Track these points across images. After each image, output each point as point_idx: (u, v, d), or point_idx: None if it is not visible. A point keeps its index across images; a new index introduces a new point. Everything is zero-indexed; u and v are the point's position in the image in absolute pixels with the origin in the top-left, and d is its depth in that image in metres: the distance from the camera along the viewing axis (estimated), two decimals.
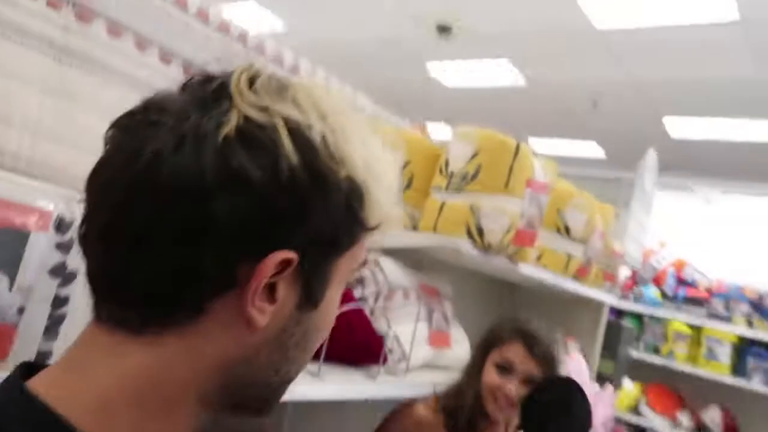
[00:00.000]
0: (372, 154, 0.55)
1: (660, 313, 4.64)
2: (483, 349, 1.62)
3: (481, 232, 1.71)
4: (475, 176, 1.73)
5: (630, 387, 4.70)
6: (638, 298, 4.76)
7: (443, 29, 5.29)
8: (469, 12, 4.99)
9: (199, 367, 0.50)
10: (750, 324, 4.29)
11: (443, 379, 1.75)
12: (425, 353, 1.80)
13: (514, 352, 1.55)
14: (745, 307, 4.35)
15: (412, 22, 5.35)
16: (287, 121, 0.50)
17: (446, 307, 1.97)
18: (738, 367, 4.30)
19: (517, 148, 1.76)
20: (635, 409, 4.62)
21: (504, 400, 1.53)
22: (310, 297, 0.54)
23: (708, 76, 5.12)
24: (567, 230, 2.19)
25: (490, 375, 1.56)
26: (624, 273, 4.96)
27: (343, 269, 0.56)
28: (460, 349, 1.92)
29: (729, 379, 4.27)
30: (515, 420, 1.66)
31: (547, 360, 1.56)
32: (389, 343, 1.66)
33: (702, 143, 6.35)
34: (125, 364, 0.49)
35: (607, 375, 2.69)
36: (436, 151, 1.84)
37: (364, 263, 0.65)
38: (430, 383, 1.68)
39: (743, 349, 4.31)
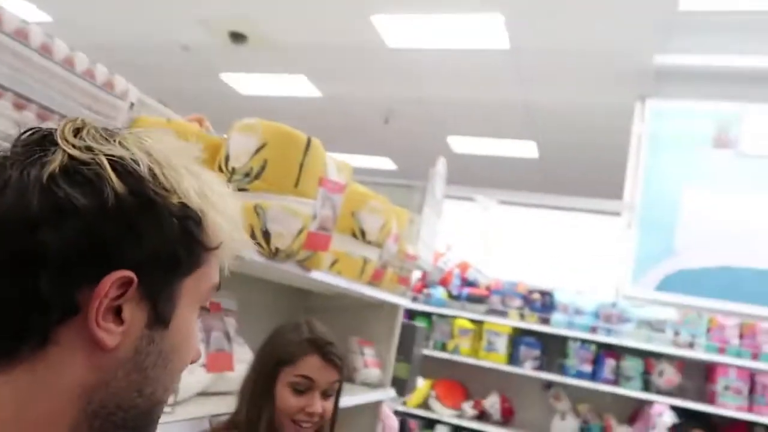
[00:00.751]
0: (204, 184, 0.57)
1: (446, 311, 4.72)
2: (271, 370, 1.33)
3: (267, 236, 1.42)
4: (260, 173, 1.43)
5: (420, 384, 4.70)
6: (427, 299, 4.80)
7: (237, 37, 4.92)
8: (263, 21, 4.69)
9: (58, 397, 0.50)
10: (522, 317, 4.53)
11: (225, 408, 1.42)
12: (200, 380, 1.45)
13: (311, 367, 1.32)
14: (518, 302, 4.59)
15: (204, 29, 4.90)
16: (111, 157, 0.52)
17: (228, 324, 1.63)
18: (513, 356, 4.50)
19: (308, 143, 1.50)
20: (425, 405, 4.64)
21: (306, 421, 1.30)
22: (158, 316, 0.54)
23: (484, 97, 5.40)
24: (363, 234, 1.98)
25: (288, 399, 1.30)
26: (415, 275, 5.00)
27: (192, 289, 0.56)
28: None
29: (505, 368, 4.46)
30: None
31: (344, 362, 1.39)
32: None
33: (480, 158, 6.74)
34: None
35: (403, 378, 2.54)
36: (216, 143, 1.50)
37: (217, 287, 0.60)
38: (206, 415, 1.34)
39: (516, 339, 4.54)
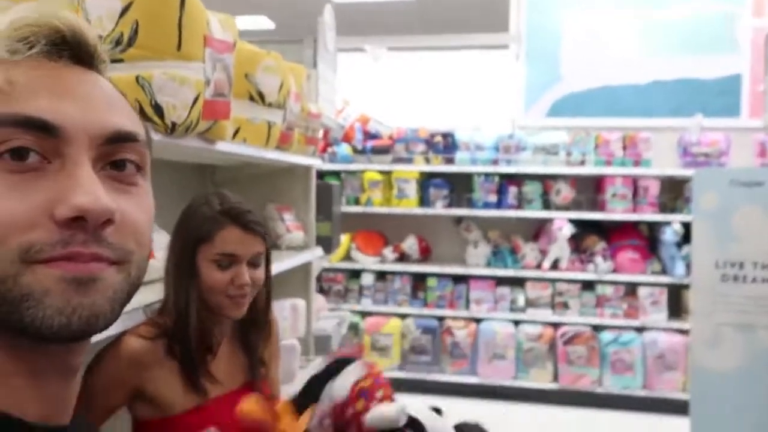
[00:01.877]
0: None
1: (354, 167, 4.70)
2: (190, 249, 1.25)
3: (159, 110, 1.25)
4: (133, 39, 1.22)
5: (340, 239, 4.79)
6: (333, 157, 4.74)
7: None
8: None
9: None
10: (427, 160, 4.60)
11: (154, 296, 1.34)
12: None
13: (230, 240, 1.23)
14: (421, 147, 4.63)
15: None
16: None
17: None
18: (423, 199, 4.64)
19: None
20: (348, 257, 4.76)
21: (239, 294, 1.23)
22: None
23: None
24: (261, 96, 1.83)
25: (213, 275, 1.23)
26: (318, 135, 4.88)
27: None
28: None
29: (418, 210, 4.60)
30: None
31: (266, 230, 1.32)
32: None
33: (365, 4, 6.38)
34: None
35: (327, 236, 2.54)
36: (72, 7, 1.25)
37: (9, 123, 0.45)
38: (139, 306, 1.26)
39: (424, 183, 4.64)
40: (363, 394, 1.14)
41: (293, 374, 2.13)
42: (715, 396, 2.22)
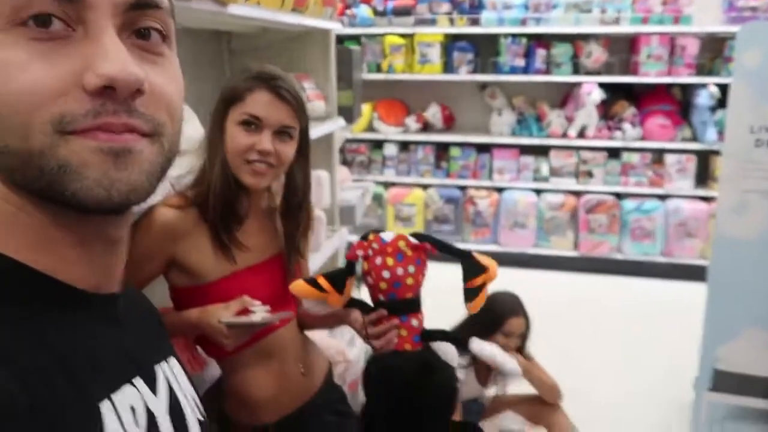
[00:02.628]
0: None
1: (374, 30, 4.48)
2: (221, 112, 1.23)
3: None
4: None
5: (362, 108, 4.69)
6: (352, 21, 4.51)
7: None
8: None
9: None
10: (451, 22, 4.36)
11: (180, 171, 1.33)
12: None
13: (259, 102, 1.20)
14: (445, 6, 4.36)
15: None
16: None
17: None
18: (447, 65, 4.45)
19: None
20: (370, 127, 4.70)
21: (260, 161, 1.21)
22: None
23: None
24: None
25: (237, 137, 1.20)
26: None
27: None
28: (190, 129, 1.47)
29: (441, 77, 4.44)
30: (277, 184, 1.35)
31: (299, 103, 1.25)
32: None
33: None
34: None
35: (348, 105, 2.47)
36: None
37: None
38: (166, 179, 1.25)
39: (449, 46, 4.43)
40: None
41: (319, 245, 2.19)
42: (735, 263, 2.23)
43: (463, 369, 2.19)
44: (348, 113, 2.48)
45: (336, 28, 2.31)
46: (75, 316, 0.50)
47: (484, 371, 2.32)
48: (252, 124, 1.19)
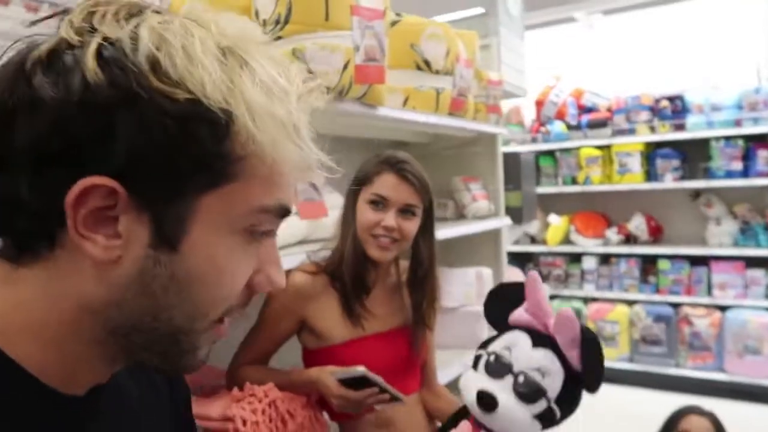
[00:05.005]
0: (242, 78, 0.46)
1: (569, 144, 4.51)
2: (353, 192, 1.40)
3: (313, 77, 1.41)
4: (288, 16, 1.41)
5: (558, 221, 4.64)
6: (547, 137, 4.61)
7: None
8: None
9: (67, 302, 0.47)
10: (652, 129, 4.21)
11: (317, 246, 1.52)
12: (296, 228, 1.55)
13: (385, 183, 1.34)
14: (645, 115, 4.25)
15: None
16: (105, 40, 0.44)
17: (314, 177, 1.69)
18: (650, 173, 4.24)
19: None
20: (567, 240, 4.58)
21: (385, 236, 1.33)
22: (163, 235, 0.47)
23: None
24: (427, 64, 1.92)
25: (365, 214, 1.35)
26: (528, 115, 4.80)
27: (215, 209, 0.47)
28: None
29: (644, 186, 4.23)
30: (403, 261, 1.45)
31: (422, 184, 1.37)
32: None
33: None
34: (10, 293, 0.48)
35: (516, 206, 2.52)
36: (245, 4, 1.50)
37: (275, 210, 0.51)
38: (302, 252, 1.44)
39: (650, 154, 4.25)
40: None
41: (478, 341, 2.17)
42: None
43: None
44: (517, 214, 2.53)
45: (500, 132, 2.44)
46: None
47: None
48: (379, 203, 1.34)
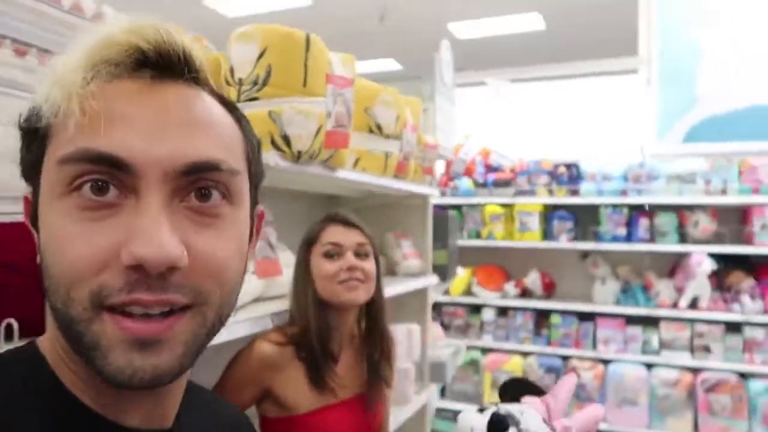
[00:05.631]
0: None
1: (475, 200, 4.76)
2: (303, 254, 1.44)
3: (287, 140, 1.43)
4: (267, 79, 1.42)
5: (461, 272, 4.84)
6: (455, 191, 4.84)
7: None
8: None
9: None
10: (551, 192, 4.55)
11: (282, 307, 1.50)
12: (254, 286, 1.53)
13: (334, 233, 1.42)
14: (544, 179, 4.59)
15: None
16: None
17: (269, 234, 1.69)
18: (547, 232, 4.57)
19: (308, 40, 1.47)
20: (468, 291, 4.79)
21: (350, 278, 1.38)
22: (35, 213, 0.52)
23: None
24: (379, 128, 1.99)
25: (323, 268, 1.39)
26: (438, 169, 5.02)
27: (44, 179, 0.49)
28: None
29: (541, 244, 4.54)
30: (363, 304, 1.44)
31: (362, 226, 1.46)
32: None
33: (486, 40, 6.52)
34: None
35: (443, 265, 2.62)
36: (216, 59, 1.49)
37: (73, 160, 0.47)
38: (266, 315, 1.42)
39: (548, 215, 4.59)
40: None
41: (408, 398, 2.22)
42: None
43: None
44: (443, 271, 2.63)
45: (434, 193, 2.55)
46: None
47: None
48: (333, 253, 1.39)
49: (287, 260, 1.70)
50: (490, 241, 4.69)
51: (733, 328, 4.03)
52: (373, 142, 1.98)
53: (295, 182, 1.91)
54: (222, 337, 1.25)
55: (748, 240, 4.05)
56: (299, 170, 1.50)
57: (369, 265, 1.41)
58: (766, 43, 4.54)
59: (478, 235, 4.75)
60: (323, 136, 1.51)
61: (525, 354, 4.53)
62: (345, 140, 1.63)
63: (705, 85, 4.76)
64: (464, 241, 4.76)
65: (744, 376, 3.93)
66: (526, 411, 1.07)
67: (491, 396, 4.47)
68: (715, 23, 4.67)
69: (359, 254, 1.41)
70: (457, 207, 4.84)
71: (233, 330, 1.29)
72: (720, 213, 4.17)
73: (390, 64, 7.35)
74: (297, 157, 1.46)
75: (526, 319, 4.59)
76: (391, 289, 2.13)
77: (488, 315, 4.71)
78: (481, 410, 1.11)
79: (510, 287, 4.70)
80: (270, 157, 1.38)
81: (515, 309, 4.65)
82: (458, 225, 2.98)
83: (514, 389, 1.18)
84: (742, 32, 4.61)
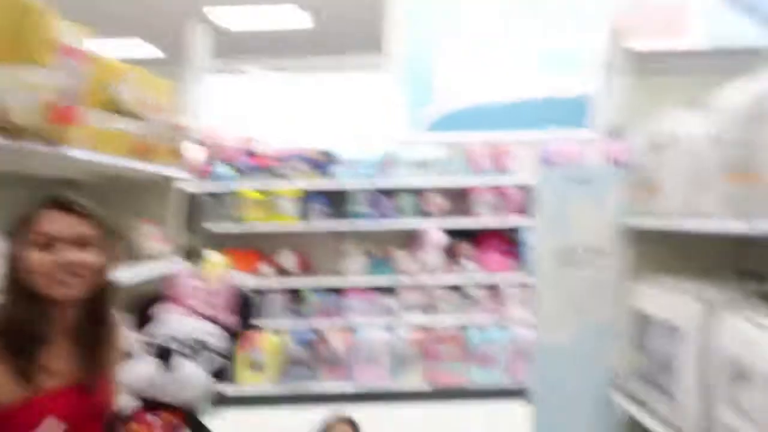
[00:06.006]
0: None
1: (235, 186, 4.79)
2: (14, 241, 1.28)
3: (4, 113, 1.35)
4: None
5: (219, 259, 4.84)
6: (215, 177, 4.81)
7: None
8: None
9: None
10: (307, 177, 4.79)
11: None
12: None
13: (48, 221, 1.26)
14: (303, 166, 4.82)
15: None
16: None
17: None
18: (304, 216, 4.81)
19: (30, 5, 1.40)
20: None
21: (66, 273, 1.25)
22: None
23: None
24: (120, 106, 1.95)
25: (35, 259, 1.24)
26: (198, 156, 4.94)
27: None
28: None
29: (299, 227, 4.77)
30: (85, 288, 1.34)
31: (94, 213, 1.33)
32: None
33: (248, 32, 6.50)
34: None
35: (194, 248, 2.65)
36: None
37: None
38: None
39: (306, 199, 4.83)
40: None
41: None
42: (553, 366, 2.58)
43: None
44: (192, 254, 2.66)
45: (179, 175, 2.55)
46: None
47: None
48: (46, 243, 1.24)
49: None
50: (249, 226, 4.77)
51: (459, 288, 4.74)
52: (113, 121, 1.94)
53: (18, 163, 1.78)
54: None
55: (471, 215, 4.79)
56: (17, 149, 1.42)
57: (90, 256, 1.28)
58: (489, 49, 5.36)
59: (239, 220, 4.80)
60: (49, 110, 1.46)
61: (280, 331, 4.73)
62: (74, 116, 1.58)
63: (441, 84, 5.43)
64: (225, 227, 4.77)
65: (466, 328, 4.67)
66: (167, 319, 1.32)
67: (247, 374, 4.60)
68: (453, 29, 5.37)
69: (80, 244, 1.27)
70: (217, 194, 4.82)
71: None
72: (451, 194, 4.84)
73: (147, 47, 6.89)
74: (17, 133, 1.38)
75: (282, 297, 4.79)
76: (136, 272, 2.11)
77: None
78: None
79: (264, 267, 4.83)
80: None
81: (273, 291, 4.81)
82: (210, 207, 3.00)
83: (141, 306, 1.45)
84: (472, 39, 5.37)
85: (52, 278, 1.25)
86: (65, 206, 1.29)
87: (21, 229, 1.26)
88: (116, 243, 1.44)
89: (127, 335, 2.18)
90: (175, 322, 1.41)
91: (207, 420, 1.43)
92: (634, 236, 2.44)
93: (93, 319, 1.37)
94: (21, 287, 1.25)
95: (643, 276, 2.34)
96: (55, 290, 1.26)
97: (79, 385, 1.34)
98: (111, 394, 1.44)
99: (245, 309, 1.50)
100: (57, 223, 1.26)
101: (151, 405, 1.34)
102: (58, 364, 1.31)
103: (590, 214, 2.61)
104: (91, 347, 1.36)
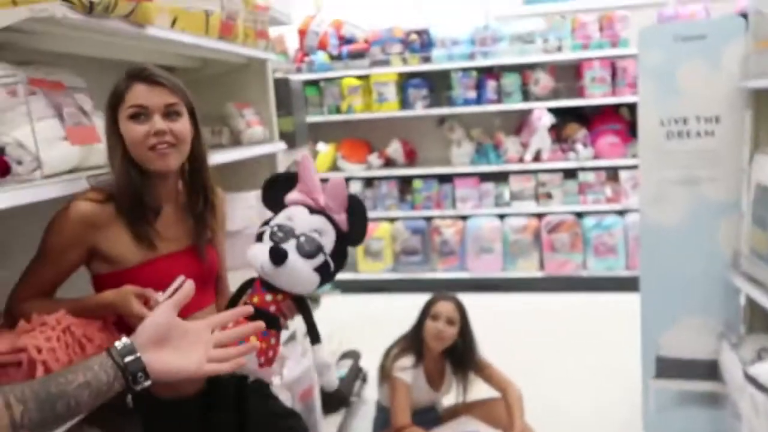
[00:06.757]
0: None
1: (331, 74, 4.73)
2: (110, 118, 1.35)
3: None
4: None
5: (325, 149, 4.90)
6: (310, 67, 4.76)
7: None
8: None
9: None
10: (404, 61, 4.61)
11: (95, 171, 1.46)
12: (68, 154, 1.46)
13: (138, 94, 1.31)
14: (397, 47, 4.62)
15: None
16: None
17: (82, 101, 1.59)
18: (403, 101, 4.68)
19: None
20: (335, 167, 4.88)
21: (160, 142, 1.31)
22: None
23: None
24: None
25: (131, 131, 1.31)
26: (292, 45, 4.89)
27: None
28: None
29: (399, 113, 4.66)
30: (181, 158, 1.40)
31: (175, 83, 1.36)
32: (12, 153, 1.28)
33: None
34: None
35: (290, 131, 2.63)
36: None
37: None
38: (81, 177, 1.38)
39: (404, 84, 4.67)
40: None
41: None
42: (661, 250, 2.36)
43: (410, 370, 2.27)
44: (290, 138, 2.65)
45: (270, 57, 2.50)
46: None
47: (437, 375, 2.39)
48: (140, 114, 1.30)
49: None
50: (350, 115, 4.74)
51: (570, 174, 4.48)
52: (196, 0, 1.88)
53: (100, 45, 1.78)
54: (30, 196, 1.21)
55: (580, 93, 4.41)
56: (97, 25, 1.41)
57: (180, 125, 1.34)
58: None
59: (338, 110, 4.78)
60: None
61: (392, 220, 4.78)
62: None
63: None
64: (325, 117, 4.78)
65: (579, 215, 4.44)
66: (293, 213, 1.28)
67: (365, 263, 4.74)
68: None
69: (169, 114, 1.32)
70: (314, 83, 4.80)
71: (44, 191, 1.25)
72: (557, 69, 4.46)
73: None
74: (90, 9, 1.36)
75: (391, 188, 4.79)
76: (236, 154, 2.13)
77: (355, 187, 4.85)
78: (260, 237, 1.26)
79: (374, 159, 4.84)
80: (56, 7, 1.28)
81: (380, 179, 4.82)
82: (302, 93, 2.94)
83: (276, 187, 1.42)
84: None
85: (149, 148, 1.31)
86: (149, 78, 1.32)
87: (116, 104, 1.33)
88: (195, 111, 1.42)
89: (250, 215, 2.29)
90: (297, 217, 1.36)
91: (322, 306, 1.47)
92: (757, 100, 2.10)
93: (194, 189, 1.46)
94: (126, 160, 1.33)
95: (766, 145, 2.03)
96: (154, 162, 1.32)
97: (191, 250, 1.45)
98: (216, 260, 1.54)
99: (356, 214, 1.43)
100: (146, 96, 1.31)
101: (268, 283, 1.39)
102: (171, 230, 1.42)
103: (704, 77, 2.26)
104: (195, 215, 1.46)
